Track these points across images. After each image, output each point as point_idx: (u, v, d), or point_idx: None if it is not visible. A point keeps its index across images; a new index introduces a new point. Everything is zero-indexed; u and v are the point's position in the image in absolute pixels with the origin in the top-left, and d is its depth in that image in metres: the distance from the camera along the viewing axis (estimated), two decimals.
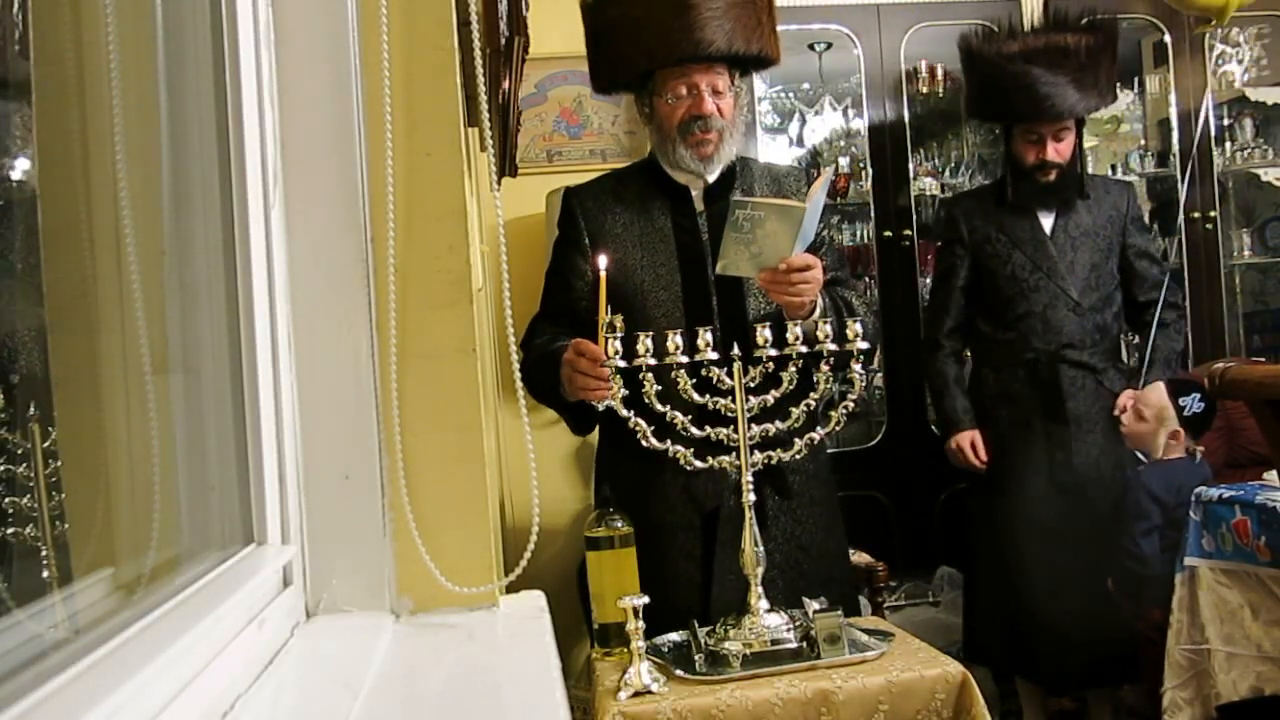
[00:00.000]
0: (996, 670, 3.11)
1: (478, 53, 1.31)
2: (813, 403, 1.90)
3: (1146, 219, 3.89)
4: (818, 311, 2.00)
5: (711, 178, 2.17)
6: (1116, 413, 2.85)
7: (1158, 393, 2.77)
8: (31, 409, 0.90)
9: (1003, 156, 3.09)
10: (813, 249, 2.14)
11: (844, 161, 3.96)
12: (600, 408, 1.98)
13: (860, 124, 3.81)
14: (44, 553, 0.90)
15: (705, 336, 1.79)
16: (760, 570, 1.83)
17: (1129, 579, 2.65)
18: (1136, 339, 3.11)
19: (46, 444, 0.90)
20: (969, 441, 2.96)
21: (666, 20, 2.05)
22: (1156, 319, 3.00)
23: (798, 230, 1.85)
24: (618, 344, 1.77)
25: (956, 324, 3.06)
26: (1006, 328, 2.98)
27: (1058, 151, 2.92)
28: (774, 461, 1.87)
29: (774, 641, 1.77)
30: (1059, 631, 2.82)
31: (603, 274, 1.86)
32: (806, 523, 2.14)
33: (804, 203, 1.88)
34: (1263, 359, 3.72)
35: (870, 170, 3.73)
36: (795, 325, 1.84)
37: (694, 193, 2.18)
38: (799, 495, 2.13)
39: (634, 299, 2.08)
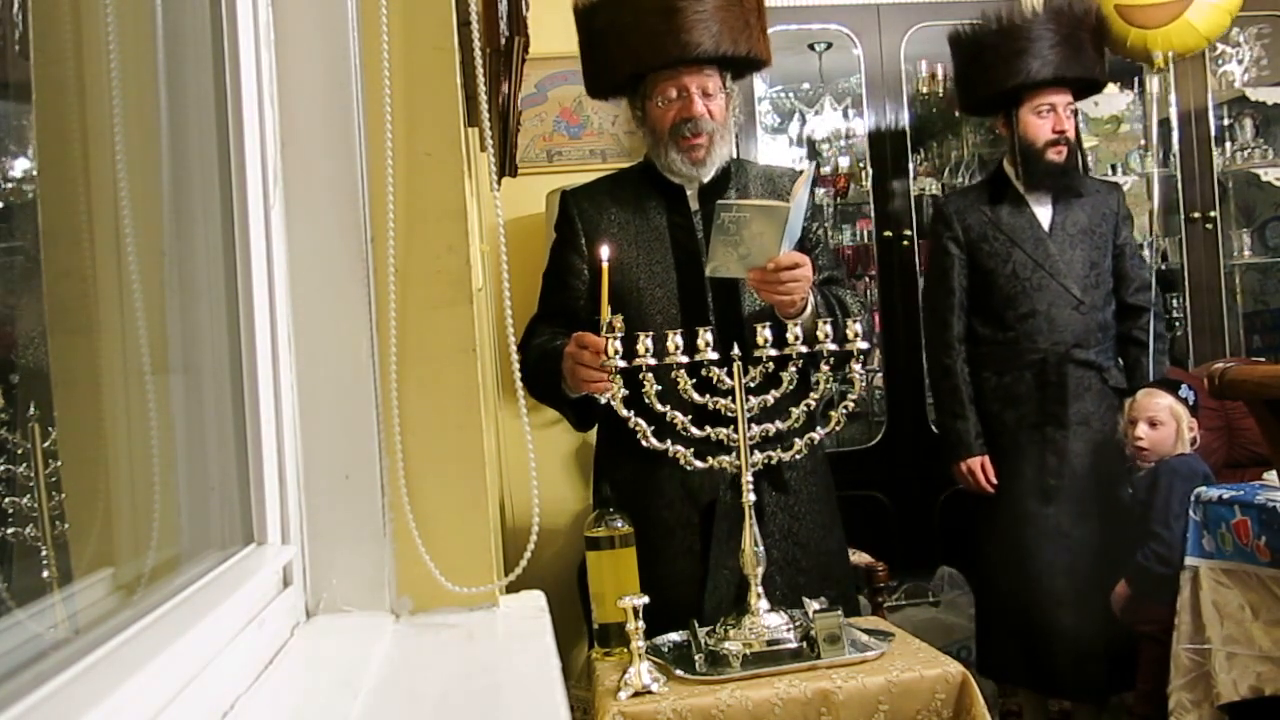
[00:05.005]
0: (1012, 682, 3.06)
1: (478, 53, 1.31)
2: (813, 403, 1.90)
3: (1146, 219, 3.88)
4: (809, 309, 2.00)
5: (706, 178, 2.17)
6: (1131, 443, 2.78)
7: (1158, 396, 2.75)
8: (31, 409, 0.91)
9: (1008, 146, 3.01)
10: (807, 248, 2.14)
11: (844, 161, 3.96)
12: (603, 401, 1.97)
13: (860, 124, 3.81)
14: (44, 553, 0.91)
15: (705, 336, 1.79)
16: (760, 570, 1.83)
17: (1145, 577, 2.61)
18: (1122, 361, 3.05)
19: (46, 444, 0.90)
20: (979, 466, 2.92)
21: (653, 24, 2.06)
22: (1151, 338, 2.98)
23: (783, 229, 1.86)
24: (618, 344, 1.77)
25: (963, 327, 3.00)
26: (1007, 328, 2.93)
27: (1069, 126, 2.91)
28: (773, 461, 1.87)
29: (774, 641, 1.77)
30: (1082, 640, 2.77)
31: (604, 265, 1.85)
32: (804, 519, 2.14)
33: (788, 202, 1.88)
34: (1263, 359, 3.71)
35: (870, 170, 3.73)
36: (795, 325, 1.84)
37: (689, 192, 2.18)
38: (796, 492, 2.14)
39: (630, 297, 2.09)
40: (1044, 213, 2.96)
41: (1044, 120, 2.90)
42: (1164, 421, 2.71)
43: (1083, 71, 2.92)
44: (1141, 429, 2.72)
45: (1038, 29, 2.86)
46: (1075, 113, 2.95)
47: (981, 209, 3.00)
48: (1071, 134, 2.93)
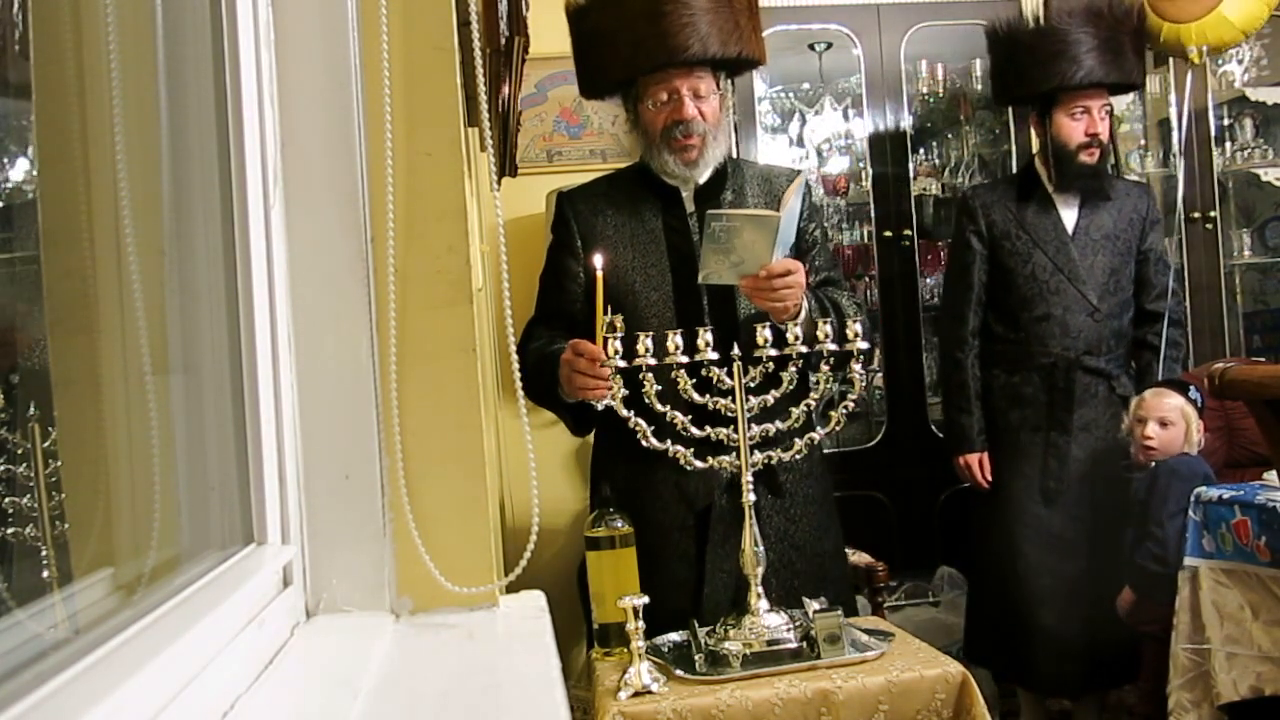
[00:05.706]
0: (996, 672, 3.11)
1: (478, 53, 1.31)
2: (812, 403, 1.90)
3: None
4: (803, 314, 2.00)
5: (702, 179, 2.17)
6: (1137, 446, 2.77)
7: (1168, 395, 2.74)
8: (31, 409, 0.91)
9: (1040, 146, 3.01)
10: (804, 249, 2.15)
11: (844, 161, 3.96)
12: (600, 407, 1.98)
13: (860, 124, 3.81)
14: (44, 553, 0.91)
15: (705, 336, 1.79)
16: (760, 570, 1.83)
17: (1142, 576, 2.60)
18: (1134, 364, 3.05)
19: (46, 444, 0.90)
20: (978, 462, 2.95)
21: (641, 28, 2.05)
22: (1164, 343, 2.98)
23: (775, 237, 1.86)
24: (618, 344, 1.77)
25: (978, 322, 2.99)
26: (1020, 329, 2.93)
27: (1103, 129, 2.89)
28: (773, 461, 1.87)
29: (774, 641, 1.77)
30: (1060, 639, 2.80)
31: (599, 274, 1.86)
32: (800, 522, 2.14)
33: (779, 211, 1.88)
34: (1263, 359, 3.71)
35: (870, 170, 3.73)
36: (795, 325, 1.85)
37: (684, 194, 2.18)
38: (792, 494, 2.14)
39: (625, 300, 2.08)
40: (1070, 215, 2.95)
41: (1078, 123, 2.89)
42: (1174, 422, 2.71)
43: (1120, 76, 2.90)
44: (1152, 428, 2.71)
45: (1076, 32, 2.83)
46: (1110, 112, 2.94)
47: (1008, 206, 2.98)
48: (1105, 136, 2.91)
